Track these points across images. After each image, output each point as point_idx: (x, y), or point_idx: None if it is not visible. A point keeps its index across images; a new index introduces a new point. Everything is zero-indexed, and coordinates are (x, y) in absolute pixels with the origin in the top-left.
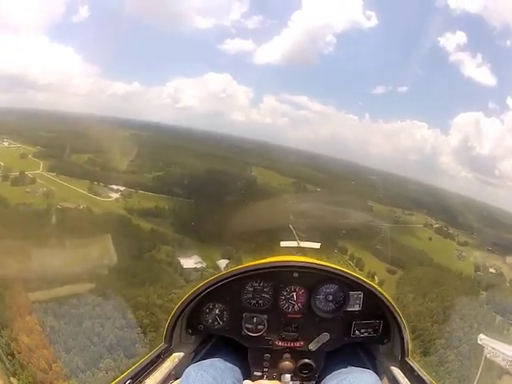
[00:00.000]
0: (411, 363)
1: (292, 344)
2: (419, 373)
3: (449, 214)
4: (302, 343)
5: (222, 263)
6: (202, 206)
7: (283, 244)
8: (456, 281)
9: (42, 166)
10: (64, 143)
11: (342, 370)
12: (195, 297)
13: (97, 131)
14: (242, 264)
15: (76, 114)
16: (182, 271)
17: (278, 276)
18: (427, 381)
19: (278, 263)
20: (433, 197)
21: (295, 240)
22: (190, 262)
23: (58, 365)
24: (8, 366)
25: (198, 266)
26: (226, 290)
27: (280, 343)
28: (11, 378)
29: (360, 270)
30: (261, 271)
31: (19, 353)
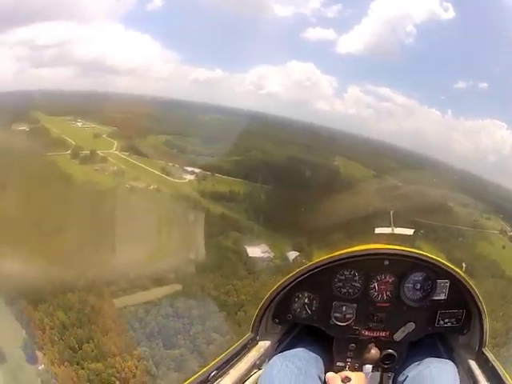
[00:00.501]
0: (487, 354)
1: (378, 334)
2: (494, 364)
3: None
4: (387, 333)
5: (292, 255)
6: (280, 193)
7: (378, 230)
8: None
9: (115, 145)
10: (141, 124)
11: (421, 360)
12: (285, 286)
13: (176, 114)
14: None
15: (156, 98)
16: (247, 260)
17: (369, 264)
18: (501, 374)
19: (371, 250)
20: (510, 202)
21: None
22: (256, 251)
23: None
24: None
25: (265, 255)
26: (317, 278)
27: (366, 333)
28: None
29: None
30: (353, 259)
31: None
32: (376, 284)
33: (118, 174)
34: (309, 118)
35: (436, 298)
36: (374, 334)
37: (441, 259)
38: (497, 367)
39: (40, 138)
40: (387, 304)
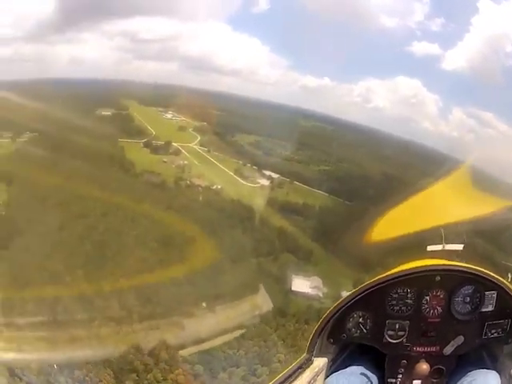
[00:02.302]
0: None
1: (429, 349)
2: None
3: None
4: (437, 348)
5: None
6: (361, 212)
7: (430, 248)
8: None
9: (198, 140)
10: (233, 123)
11: (468, 372)
12: (341, 308)
13: (276, 117)
14: None
15: (260, 101)
16: (287, 294)
17: (421, 280)
18: None
19: (423, 267)
20: None
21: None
22: (303, 285)
23: None
24: None
25: (313, 292)
26: (370, 298)
27: (418, 349)
28: None
29: None
30: (406, 277)
31: None
32: (428, 300)
33: (185, 168)
34: (412, 136)
35: (484, 309)
36: (425, 350)
37: (488, 271)
38: None
39: (120, 124)
40: (438, 319)
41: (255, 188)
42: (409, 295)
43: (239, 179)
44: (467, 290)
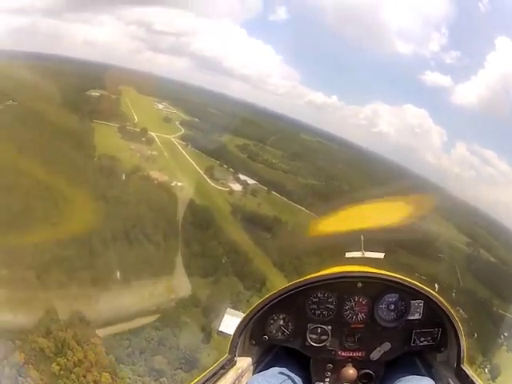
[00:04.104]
0: (466, 370)
1: (354, 354)
2: (474, 380)
3: None
4: (363, 353)
5: None
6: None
7: (348, 255)
8: None
9: (181, 133)
10: (226, 124)
11: (401, 378)
12: (260, 309)
13: (275, 126)
14: None
15: (265, 109)
16: (211, 332)
17: (342, 286)
18: None
19: (343, 273)
20: None
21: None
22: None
23: None
24: None
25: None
26: (291, 301)
27: (342, 353)
28: None
29: None
30: (326, 282)
31: None
32: (349, 306)
33: (150, 159)
34: (414, 166)
35: (411, 317)
36: (351, 354)
37: (413, 280)
38: (476, 382)
39: (105, 106)
40: (362, 325)
41: (221, 191)
42: (329, 300)
43: (207, 179)
44: (391, 297)
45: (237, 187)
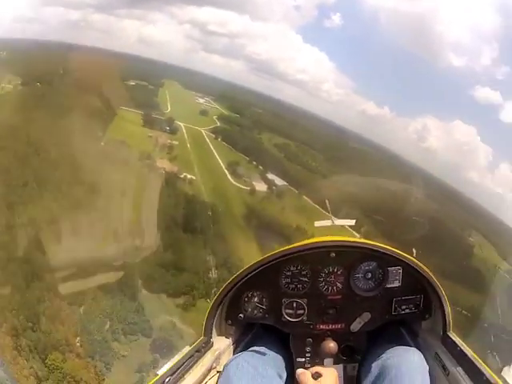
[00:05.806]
0: (453, 337)
1: (333, 326)
2: (461, 347)
3: None
4: (343, 325)
5: None
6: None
7: (317, 224)
8: None
9: (213, 126)
10: (269, 122)
11: (386, 349)
12: (233, 287)
13: (322, 132)
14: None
15: (315, 115)
16: None
17: (315, 258)
18: (469, 355)
19: (314, 244)
20: None
21: (329, 219)
22: None
23: None
24: None
25: None
26: (264, 276)
27: (321, 326)
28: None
29: None
30: (297, 254)
31: None
32: (324, 277)
33: (163, 148)
34: (458, 185)
35: (390, 285)
36: (330, 327)
37: (390, 247)
38: (464, 349)
39: (139, 94)
40: (339, 296)
41: (240, 190)
42: (303, 272)
43: (228, 175)
44: (368, 265)
45: (261, 187)
